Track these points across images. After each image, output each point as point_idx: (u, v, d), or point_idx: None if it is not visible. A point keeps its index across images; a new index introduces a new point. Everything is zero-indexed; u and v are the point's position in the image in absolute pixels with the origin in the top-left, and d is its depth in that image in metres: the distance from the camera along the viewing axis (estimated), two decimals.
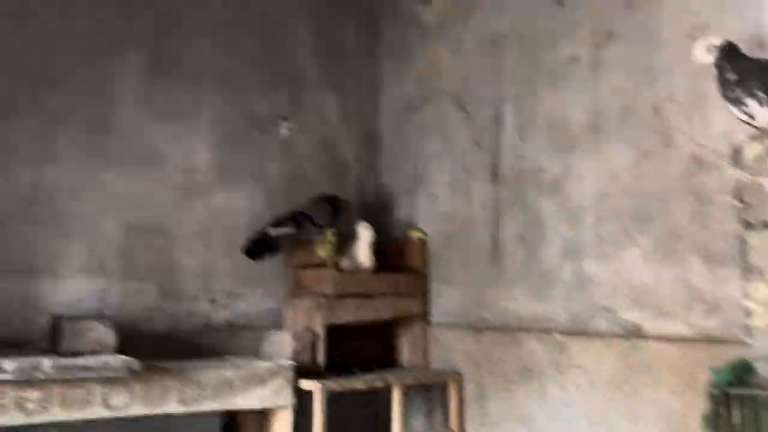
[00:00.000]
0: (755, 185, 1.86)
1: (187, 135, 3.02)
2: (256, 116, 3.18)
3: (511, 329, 2.82)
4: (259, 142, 3.18)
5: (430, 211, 3.24)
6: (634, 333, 2.41)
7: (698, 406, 1.98)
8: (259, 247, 3.00)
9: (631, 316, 2.43)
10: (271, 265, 3.07)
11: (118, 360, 2.34)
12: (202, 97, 3.05)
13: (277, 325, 3.01)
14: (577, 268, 2.61)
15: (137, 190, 2.89)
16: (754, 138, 1.96)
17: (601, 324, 2.51)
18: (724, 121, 2.15)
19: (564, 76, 2.75)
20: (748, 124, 1.94)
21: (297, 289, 3.08)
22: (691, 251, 2.30)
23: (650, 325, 2.37)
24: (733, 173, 1.99)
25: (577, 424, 2.54)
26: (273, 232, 3.00)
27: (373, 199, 3.46)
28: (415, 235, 3.21)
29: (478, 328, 2.96)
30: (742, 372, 1.57)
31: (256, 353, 2.89)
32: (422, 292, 3.19)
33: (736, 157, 2.00)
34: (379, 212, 3.38)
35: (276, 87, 3.24)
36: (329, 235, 2.99)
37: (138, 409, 2.38)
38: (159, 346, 2.69)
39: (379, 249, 3.05)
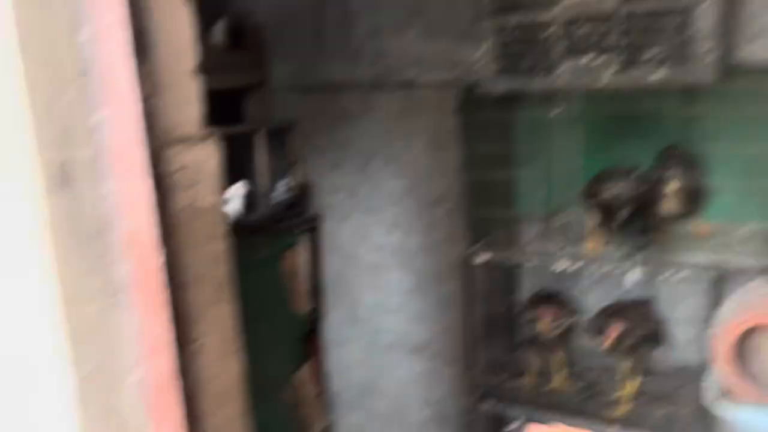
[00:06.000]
0: None
1: None
2: None
3: (331, 89, 4.16)
4: None
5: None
6: (411, 85, 3.92)
7: (449, 121, 3.66)
8: None
9: (409, 74, 3.90)
10: None
11: None
12: None
13: None
14: (378, 45, 3.97)
15: None
16: None
17: (392, 80, 3.97)
18: None
19: None
20: None
21: None
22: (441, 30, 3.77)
23: (422, 78, 3.89)
24: None
25: (376, 138, 4.07)
26: None
27: None
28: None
29: (307, 90, 4.24)
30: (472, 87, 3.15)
31: None
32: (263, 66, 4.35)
33: None
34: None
35: None
36: None
37: None
38: None
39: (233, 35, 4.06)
